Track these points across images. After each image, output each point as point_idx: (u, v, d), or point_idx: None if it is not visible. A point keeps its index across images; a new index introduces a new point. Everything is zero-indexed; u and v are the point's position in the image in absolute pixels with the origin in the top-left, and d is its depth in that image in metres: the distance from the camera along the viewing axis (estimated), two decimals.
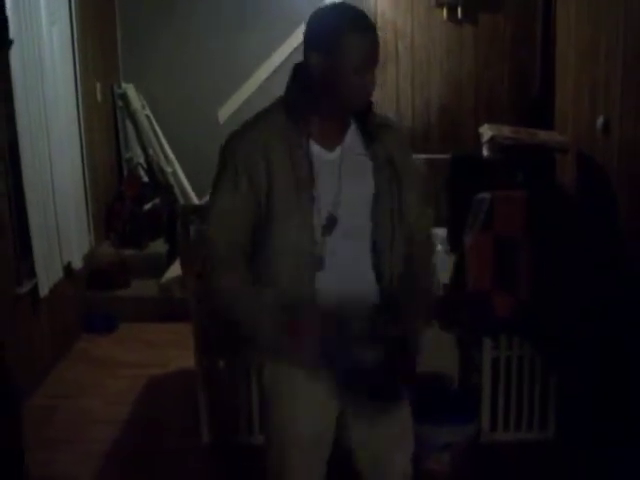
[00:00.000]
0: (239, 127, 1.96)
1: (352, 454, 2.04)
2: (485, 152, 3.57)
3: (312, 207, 1.87)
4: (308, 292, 1.89)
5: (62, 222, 4.26)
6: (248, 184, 1.87)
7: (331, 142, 1.93)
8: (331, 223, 1.89)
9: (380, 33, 1.89)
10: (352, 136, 1.96)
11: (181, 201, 5.68)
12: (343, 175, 1.90)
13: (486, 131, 3.60)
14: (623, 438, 2.96)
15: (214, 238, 1.93)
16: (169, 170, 5.83)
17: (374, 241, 1.95)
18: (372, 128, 1.95)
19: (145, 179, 5.77)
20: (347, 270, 1.92)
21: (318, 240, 1.88)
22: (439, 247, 3.20)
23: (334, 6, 1.87)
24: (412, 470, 2.10)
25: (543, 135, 3.65)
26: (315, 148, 1.90)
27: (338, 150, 1.93)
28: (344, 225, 1.90)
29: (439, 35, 5.09)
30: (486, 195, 3.03)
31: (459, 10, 4.99)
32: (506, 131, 3.58)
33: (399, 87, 5.15)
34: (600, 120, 3.32)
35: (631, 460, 2.86)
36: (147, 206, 5.49)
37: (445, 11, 5.03)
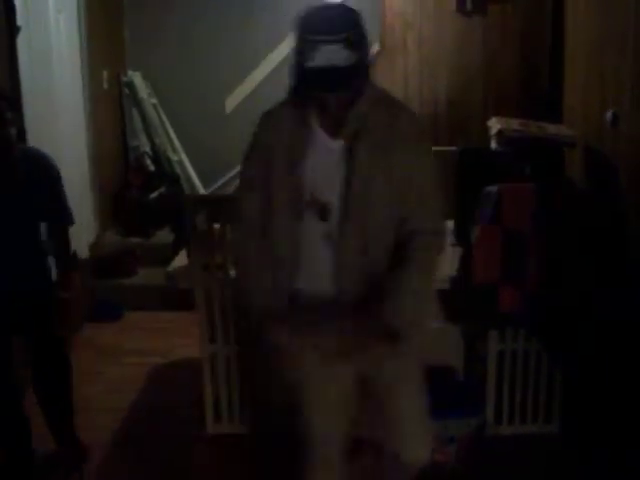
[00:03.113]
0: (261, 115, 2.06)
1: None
2: (493, 145, 3.56)
3: (301, 188, 1.94)
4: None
5: None
6: (261, 167, 1.99)
7: (333, 130, 1.95)
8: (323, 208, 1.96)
9: None
10: (354, 124, 1.94)
11: (187, 190, 5.68)
12: (338, 164, 1.95)
13: (494, 124, 3.58)
14: (627, 433, 2.96)
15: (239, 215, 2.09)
16: (175, 159, 5.83)
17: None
18: (361, 116, 1.95)
19: (151, 168, 5.77)
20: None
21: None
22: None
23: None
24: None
25: (552, 128, 3.63)
26: (320, 135, 1.95)
27: (340, 140, 1.95)
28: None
29: (448, 26, 5.06)
30: (494, 188, 3.01)
31: (468, 1, 4.97)
32: (514, 124, 3.56)
33: (407, 79, 5.12)
34: (609, 114, 3.30)
35: (635, 454, 2.86)
36: (153, 195, 5.49)
37: (454, 2, 5.00)
